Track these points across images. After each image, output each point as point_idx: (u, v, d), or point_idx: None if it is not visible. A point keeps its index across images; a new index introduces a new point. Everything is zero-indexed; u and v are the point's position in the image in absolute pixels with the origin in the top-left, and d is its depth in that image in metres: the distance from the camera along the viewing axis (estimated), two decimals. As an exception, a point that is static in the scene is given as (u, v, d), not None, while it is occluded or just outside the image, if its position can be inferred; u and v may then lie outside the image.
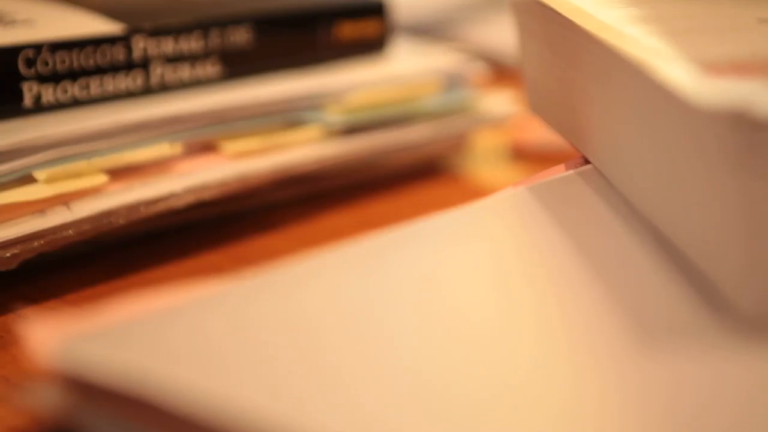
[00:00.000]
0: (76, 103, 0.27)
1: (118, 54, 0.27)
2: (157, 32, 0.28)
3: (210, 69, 0.29)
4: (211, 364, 0.14)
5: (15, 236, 0.23)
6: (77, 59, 0.26)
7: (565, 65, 0.22)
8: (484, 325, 0.16)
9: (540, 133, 0.37)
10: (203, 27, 0.29)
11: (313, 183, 0.31)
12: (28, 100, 0.26)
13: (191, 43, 0.29)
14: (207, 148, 0.28)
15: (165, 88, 0.28)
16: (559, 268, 0.17)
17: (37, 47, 0.26)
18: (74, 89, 0.26)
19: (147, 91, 0.28)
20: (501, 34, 0.50)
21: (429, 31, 0.47)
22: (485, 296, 0.17)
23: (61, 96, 0.26)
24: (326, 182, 0.31)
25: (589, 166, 0.21)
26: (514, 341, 0.15)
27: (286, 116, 0.29)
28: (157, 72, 0.28)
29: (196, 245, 0.28)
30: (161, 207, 0.26)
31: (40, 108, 0.26)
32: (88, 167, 0.25)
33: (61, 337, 0.14)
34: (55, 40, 0.26)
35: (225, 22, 0.29)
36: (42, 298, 0.24)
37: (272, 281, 0.17)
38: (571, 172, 0.20)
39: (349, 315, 0.16)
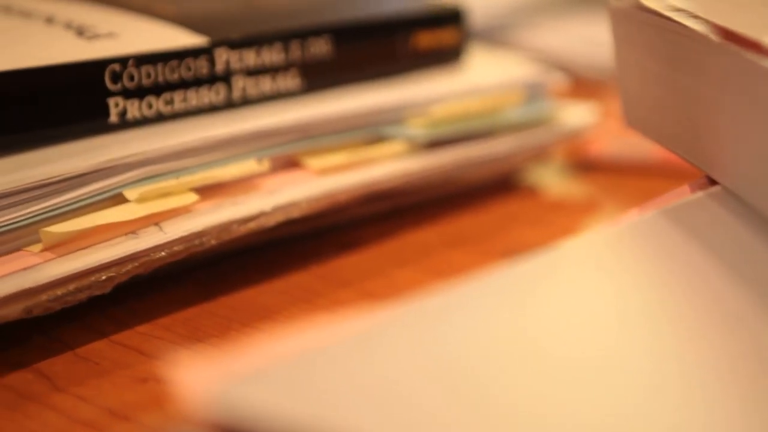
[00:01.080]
0: (159, 119, 0.26)
1: (202, 67, 0.26)
2: (239, 44, 0.27)
3: (290, 81, 0.28)
4: (371, 409, 0.13)
5: (110, 259, 0.22)
6: (162, 73, 0.25)
7: (683, 78, 0.21)
8: (625, 369, 0.15)
9: (615, 144, 0.36)
10: (284, 39, 0.28)
11: (395, 198, 0.30)
12: (114, 116, 0.25)
13: (272, 56, 0.28)
14: (290, 163, 0.27)
15: (246, 101, 0.27)
16: (717, 302, 0.16)
17: (123, 61, 0.25)
18: (159, 104, 0.26)
19: (229, 104, 0.27)
20: (556, 39, 0.49)
21: (487, 36, 0.46)
22: (627, 335, 0.16)
23: (146, 111, 0.25)
24: (407, 197, 0.30)
25: (718, 187, 0.20)
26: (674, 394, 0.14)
27: (370, 130, 0.29)
28: (239, 85, 0.27)
29: (280, 264, 0.27)
30: (252, 226, 0.25)
31: (125, 124, 0.25)
32: (177, 186, 0.24)
33: (213, 382, 0.13)
34: (141, 54, 0.25)
35: (305, 34, 0.28)
36: (134, 322, 0.23)
37: (416, 317, 0.16)
38: (700, 194, 0.19)
39: (490, 351, 0.15)
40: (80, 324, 0.23)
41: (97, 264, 0.22)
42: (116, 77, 0.25)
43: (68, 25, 0.26)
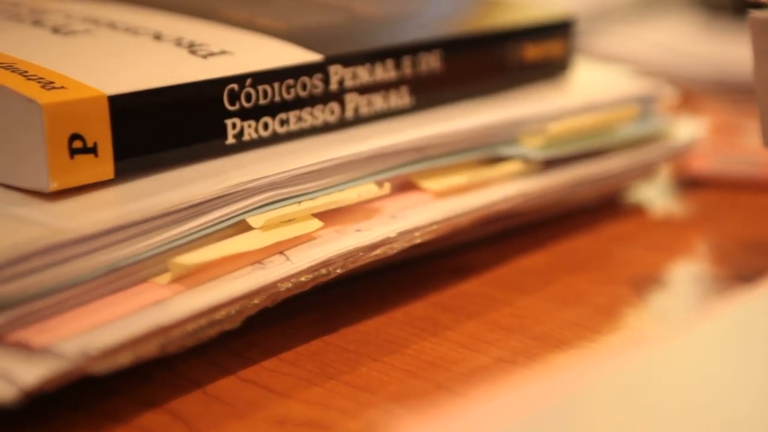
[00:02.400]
0: (274, 139, 0.24)
1: (316, 85, 0.25)
2: (352, 61, 0.26)
3: (401, 98, 0.27)
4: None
5: (242, 292, 0.21)
6: (278, 92, 0.24)
7: None
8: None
9: (719, 160, 0.34)
10: (396, 54, 0.27)
11: (506, 220, 0.28)
12: (230, 138, 0.24)
13: (384, 72, 0.26)
14: (405, 185, 0.26)
15: (358, 120, 0.26)
16: None
17: (241, 80, 0.24)
18: (274, 124, 0.24)
19: (341, 124, 0.26)
20: (632, 46, 0.48)
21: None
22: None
23: (261, 132, 0.24)
24: (517, 219, 0.29)
25: None
26: None
27: (487, 150, 0.27)
28: (352, 103, 0.26)
29: (394, 291, 0.26)
30: (378, 253, 0.23)
31: (241, 145, 0.24)
32: (300, 212, 0.23)
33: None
34: (258, 72, 0.24)
35: (417, 49, 0.27)
36: (258, 356, 0.22)
37: (636, 375, 0.14)
38: None
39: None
40: (203, 358, 0.22)
41: (229, 298, 0.20)
42: (234, 97, 0.23)
43: (178, 43, 0.25)
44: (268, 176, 0.23)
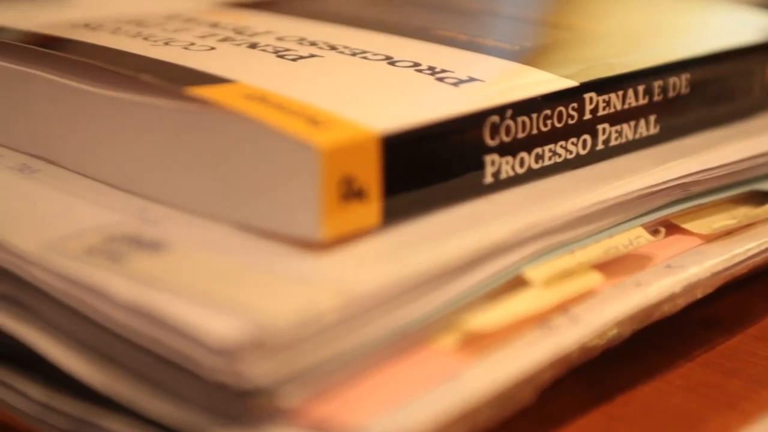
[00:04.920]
0: (529, 177, 0.21)
1: (572, 115, 0.22)
2: (605, 87, 0.23)
3: (648, 128, 0.24)
4: None
5: (541, 363, 0.18)
6: (536, 124, 0.21)
7: None
8: None
9: None
10: (646, 78, 0.24)
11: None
12: (488, 176, 0.21)
13: (635, 99, 0.23)
14: (669, 228, 0.23)
15: (608, 152, 0.23)
16: None
17: (502, 112, 0.21)
18: (530, 160, 0.21)
19: (591, 157, 0.23)
20: None
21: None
22: None
23: (518, 169, 0.21)
24: None
25: None
26: None
27: (750, 185, 0.24)
28: (603, 134, 0.23)
29: (643, 345, 0.22)
30: (666, 310, 0.20)
31: (498, 184, 0.21)
32: (577, 263, 0.20)
33: None
34: (518, 102, 0.21)
35: (666, 72, 0.24)
36: (539, 425, 0.19)
37: None
38: None
39: None
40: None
41: (530, 370, 0.17)
42: (494, 131, 0.20)
43: (418, 68, 0.22)
44: (543, 222, 0.20)
